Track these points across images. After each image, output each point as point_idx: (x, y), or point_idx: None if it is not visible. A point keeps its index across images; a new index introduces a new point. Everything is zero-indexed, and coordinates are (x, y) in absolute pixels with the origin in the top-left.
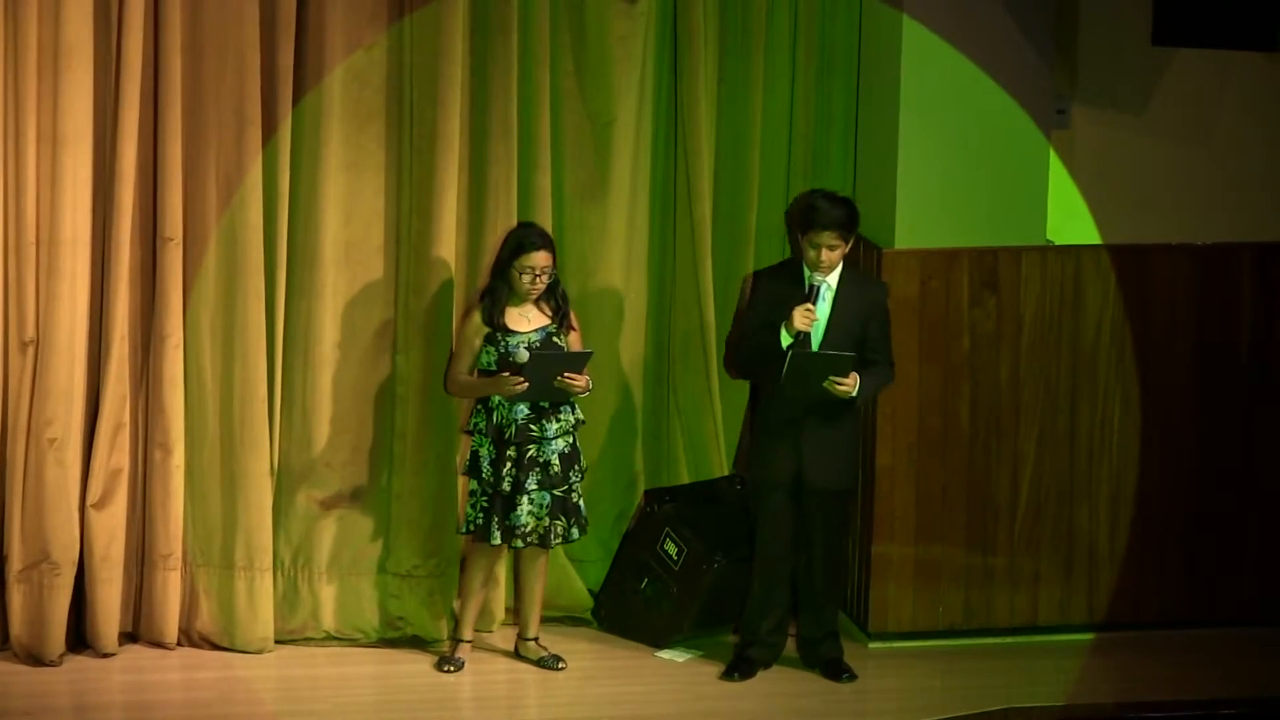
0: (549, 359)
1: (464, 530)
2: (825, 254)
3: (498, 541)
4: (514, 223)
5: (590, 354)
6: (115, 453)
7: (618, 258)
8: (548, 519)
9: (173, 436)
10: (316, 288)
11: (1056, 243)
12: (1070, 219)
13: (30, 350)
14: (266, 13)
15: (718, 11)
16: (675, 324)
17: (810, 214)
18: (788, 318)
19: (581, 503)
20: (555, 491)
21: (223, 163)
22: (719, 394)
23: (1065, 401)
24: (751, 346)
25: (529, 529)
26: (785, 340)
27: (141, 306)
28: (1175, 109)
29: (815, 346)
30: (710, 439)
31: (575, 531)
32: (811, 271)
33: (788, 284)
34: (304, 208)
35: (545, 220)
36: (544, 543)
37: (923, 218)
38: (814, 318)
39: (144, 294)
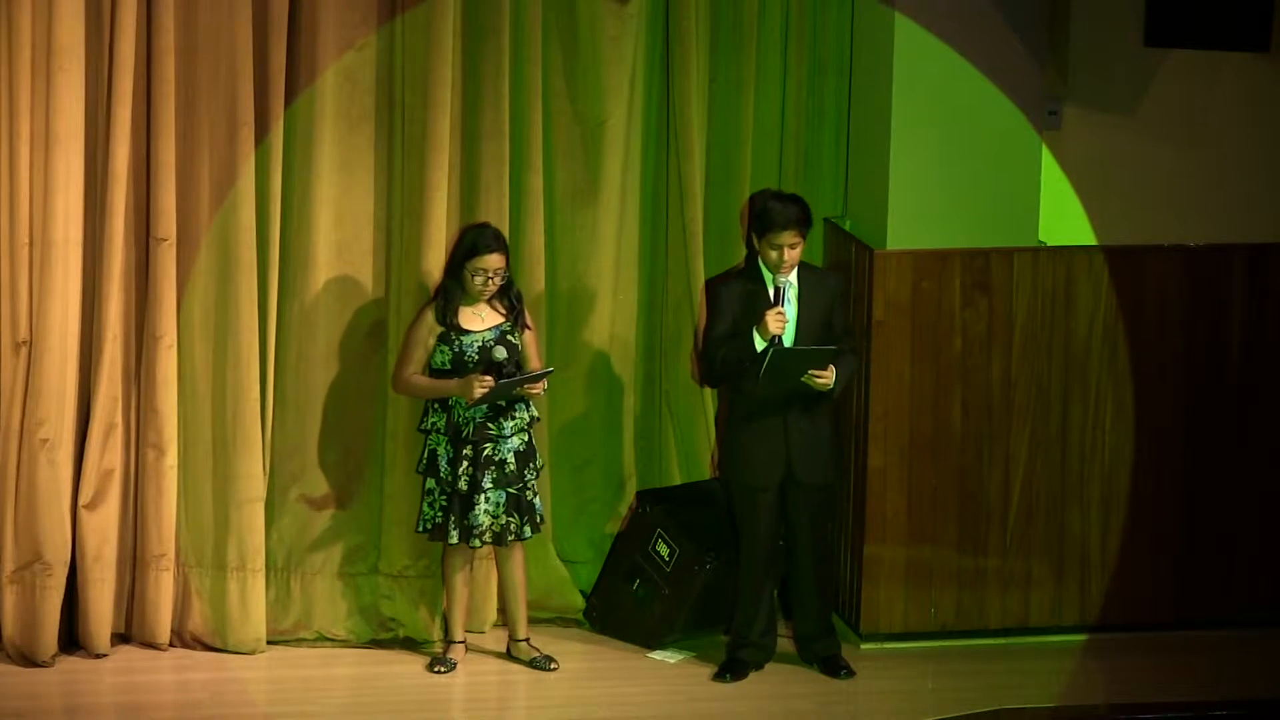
0: (511, 383)
1: (421, 529)
2: (787, 253)
3: (455, 541)
4: (506, 223)
5: (551, 371)
6: (107, 453)
7: (609, 258)
8: (504, 517)
9: (165, 437)
10: (308, 288)
11: (1048, 244)
12: (1062, 220)
13: (23, 351)
14: (259, 14)
15: (709, 11)
16: (667, 324)
17: (767, 216)
18: (758, 322)
19: (537, 501)
20: (510, 490)
21: (215, 163)
22: (710, 395)
23: (1057, 403)
24: (726, 356)
25: (484, 527)
26: (759, 345)
27: (134, 307)
28: (1167, 110)
29: (789, 345)
30: (702, 440)
31: (527, 530)
32: (774, 273)
33: (748, 287)
34: (296, 208)
35: (536, 221)
36: (499, 541)
37: (914, 218)
38: (785, 320)
39: (137, 294)
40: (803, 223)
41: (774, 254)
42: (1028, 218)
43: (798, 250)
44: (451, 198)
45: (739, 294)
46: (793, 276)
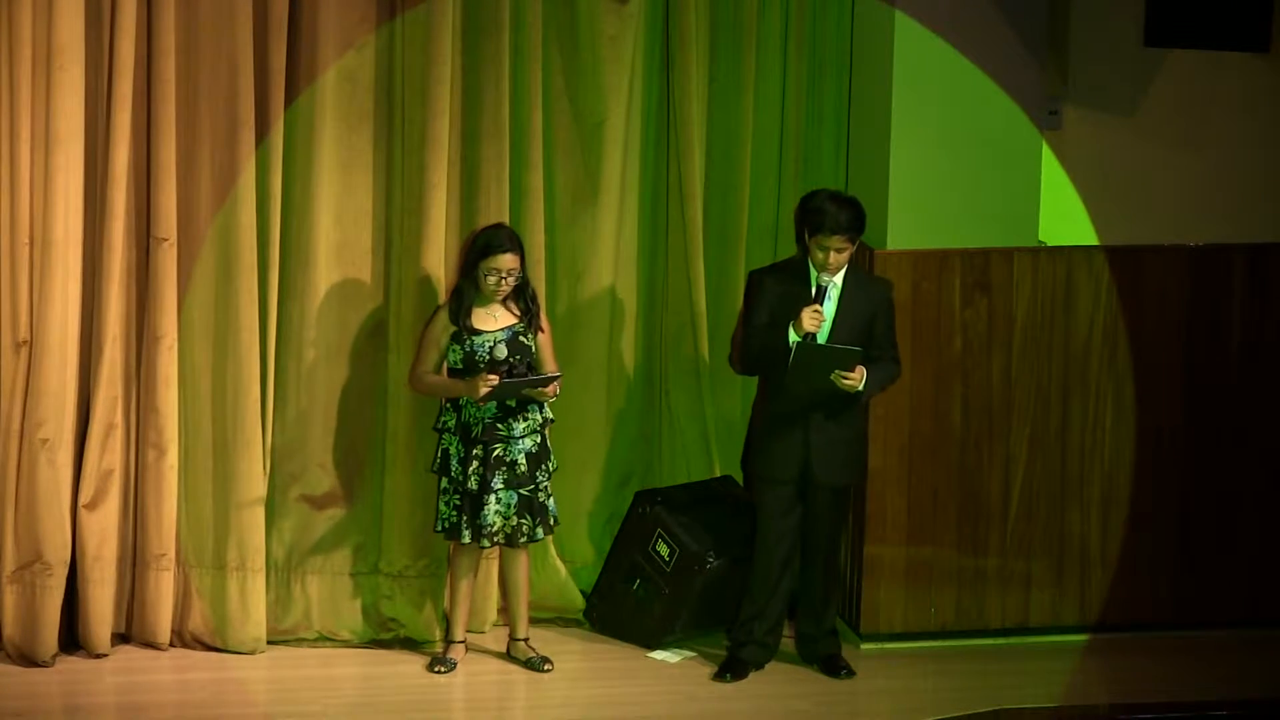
0: (517, 384)
1: (438, 529)
2: (834, 256)
3: (467, 540)
4: (505, 223)
5: (558, 376)
6: (107, 453)
7: (609, 258)
8: (514, 518)
9: (166, 437)
10: (309, 288)
11: (1048, 244)
12: (1062, 220)
13: (23, 351)
14: (259, 14)
15: (709, 11)
16: (667, 324)
17: (819, 216)
18: (795, 318)
19: (550, 502)
20: (522, 491)
21: (215, 163)
22: (710, 395)
23: (1057, 403)
24: (758, 345)
25: (495, 528)
26: (793, 340)
27: (134, 307)
28: (1167, 110)
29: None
30: (701, 440)
31: (540, 531)
32: (819, 272)
33: (792, 283)
34: (296, 208)
35: (536, 220)
36: (510, 542)
37: (914, 218)
38: (822, 319)
39: (137, 294)
40: (854, 228)
41: (821, 254)
42: (1028, 218)
43: (845, 254)
44: (451, 197)
45: (781, 287)
46: (838, 277)
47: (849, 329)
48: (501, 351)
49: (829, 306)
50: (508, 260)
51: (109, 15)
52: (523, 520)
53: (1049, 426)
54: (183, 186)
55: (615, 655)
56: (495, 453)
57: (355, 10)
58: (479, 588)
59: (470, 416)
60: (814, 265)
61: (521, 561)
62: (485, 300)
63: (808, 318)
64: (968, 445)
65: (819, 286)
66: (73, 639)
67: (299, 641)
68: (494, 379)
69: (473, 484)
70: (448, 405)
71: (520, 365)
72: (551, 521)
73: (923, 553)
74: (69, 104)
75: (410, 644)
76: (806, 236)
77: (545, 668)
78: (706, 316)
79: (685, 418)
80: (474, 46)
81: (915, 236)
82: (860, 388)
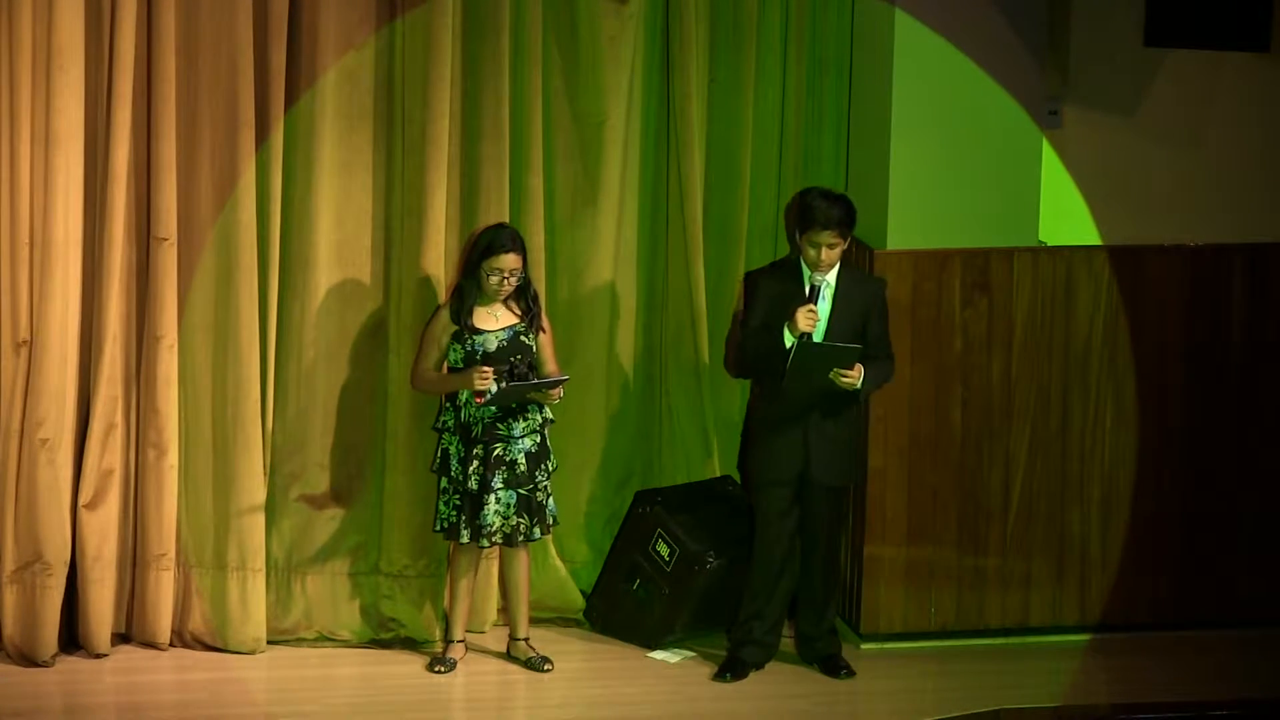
0: (523, 388)
1: (437, 528)
2: (825, 253)
3: (466, 540)
4: (506, 222)
5: (565, 379)
6: (107, 453)
7: (609, 258)
8: (514, 518)
9: (166, 437)
10: (309, 288)
11: (1048, 244)
12: (1063, 220)
13: (23, 351)
14: (259, 14)
15: (709, 11)
16: (667, 324)
17: (809, 213)
18: (790, 318)
19: (549, 502)
20: (521, 490)
21: (216, 163)
22: (710, 395)
23: (1057, 403)
24: (754, 347)
25: (495, 528)
26: (789, 341)
27: (134, 307)
28: (1167, 110)
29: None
30: (701, 440)
31: (537, 531)
32: (811, 270)
33: (786, 283)
34: (297, 208)
35: (536, 221)
36: (509, 542)
37: (915, 218)
38: (816, 318)
39: (137, 294)
40: (844, 224)
41: (812, 252)
42: (1028, 218)
43: (837, 250)
44: (451, 198)
45: (775, 288)
46: (831, 276)
47: (844, 327)
48: (492, 344)
49: (823, 306)
50: (511, 260)
51: (109, 15)
52: (521, 520)
53: (1049, 426)
54: (183, 186)
55: (615, 655)
56: (495, 452)
57: (355, 10)
58: (479, 587)
59: (470, 416)
60: (806, 263)
61: (522, 561)
62: (487, 300)
63: (802, 318)
64: (968, 445)
65: (812, 286)
66: (73, 639)
67: (299, 641)
68: (489, 370)
69: (473, 484)
70: (447, 404)
71: (521, 365)
72: (550, 521)
73: (923, 553)
74: (69, 103)
75: (410, 644)
76: (798, 235)
77: (545, 668)
78: (706, 316)
79: (685, 418)
80: (474, 46)
81: (915, 236)
82: (859, 385)
